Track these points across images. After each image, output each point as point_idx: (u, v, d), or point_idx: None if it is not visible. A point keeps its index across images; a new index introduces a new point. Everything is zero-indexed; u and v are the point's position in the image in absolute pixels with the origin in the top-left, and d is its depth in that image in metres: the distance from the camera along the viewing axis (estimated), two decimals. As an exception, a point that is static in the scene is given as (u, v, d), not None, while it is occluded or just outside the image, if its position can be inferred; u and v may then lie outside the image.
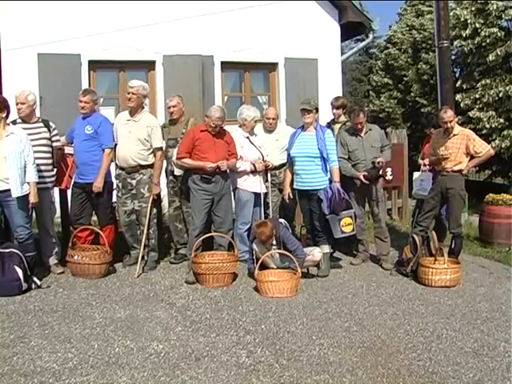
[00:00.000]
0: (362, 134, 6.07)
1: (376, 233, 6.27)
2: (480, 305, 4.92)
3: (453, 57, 12.34)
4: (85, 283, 5.42)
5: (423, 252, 5.73)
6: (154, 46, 8.81)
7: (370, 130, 6.14)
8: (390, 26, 18.46)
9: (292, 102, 9.30)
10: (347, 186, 5.91)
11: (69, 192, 5.99)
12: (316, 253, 5.57)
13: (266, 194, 6.22)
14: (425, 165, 6.31)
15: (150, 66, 9.00)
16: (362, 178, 5.91)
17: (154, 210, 5.97)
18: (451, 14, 11.19)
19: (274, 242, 5.52)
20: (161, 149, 5.91)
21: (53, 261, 5.78)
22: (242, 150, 6.02)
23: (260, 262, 5.25)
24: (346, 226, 5.60)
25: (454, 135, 5.84)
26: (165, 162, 6.13)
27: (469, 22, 12.03)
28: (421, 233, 5.87)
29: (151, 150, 5.84)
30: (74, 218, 5.89)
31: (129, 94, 5.80)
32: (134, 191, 5.85)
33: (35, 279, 5.23)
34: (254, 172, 6.04)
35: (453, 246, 5.95)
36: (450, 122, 5.78)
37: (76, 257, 5.58)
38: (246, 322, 4.45)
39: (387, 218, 7.98)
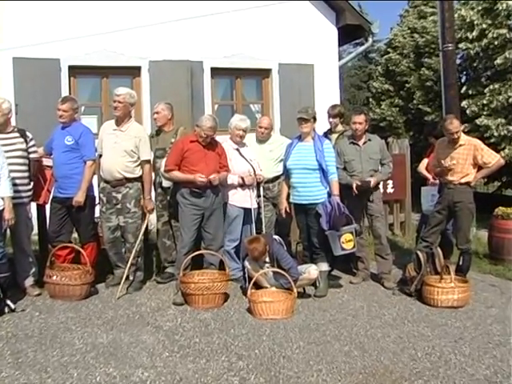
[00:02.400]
0: (361, 144, 6.09)
1: (376, 250, 6.27)
2: (491, 327, 4.90)
3: (458, 61, 12.39)
4: (64, 306, 5.37)
5: (428, 270, 5.72)
6: (139, 51, 8.86)
7: (370, 140, 6.15)
8: (391, 29, 18.63)
9: (286, 111, 9.37)
10: (344, 199, 5.89)
11: (47, 207, 5.97)
12: (312, 270, 5.55)
13: (259, 209, 6.20)
14: (434, 178, 6.34)
15: (135, 72, 9.04)
16: (353, 186, 5.90)
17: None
18: (456, 15, 11.21)
19: (267, 259, 5.51)
20: (149, 161, 5.90)
21: (29, 282, 5.73)
22: (231, 162, 5.97)
23: (253, 281, 5.23)
24: (346, 242, 5.58)
25: (461, 145, 5.82)
26: (153, 173, 6.11)
27: (475, 23, 12.00)
28: (425, 249, 5.86)
29: (138, 162, 5.84)
30: (52, 236, 5.86)
31: (115, 102, 5.81)
32: (119, 206, 5.83)
33: (9, 302, 5.17)
34: (242, 186, 6.00)
35: (461, 262, 5.95)
36: (457, 132, 5.79)
37: (54, 277, 5.54)
38: (238, 346, 4.42)
39: (389, 234, 7.99)
